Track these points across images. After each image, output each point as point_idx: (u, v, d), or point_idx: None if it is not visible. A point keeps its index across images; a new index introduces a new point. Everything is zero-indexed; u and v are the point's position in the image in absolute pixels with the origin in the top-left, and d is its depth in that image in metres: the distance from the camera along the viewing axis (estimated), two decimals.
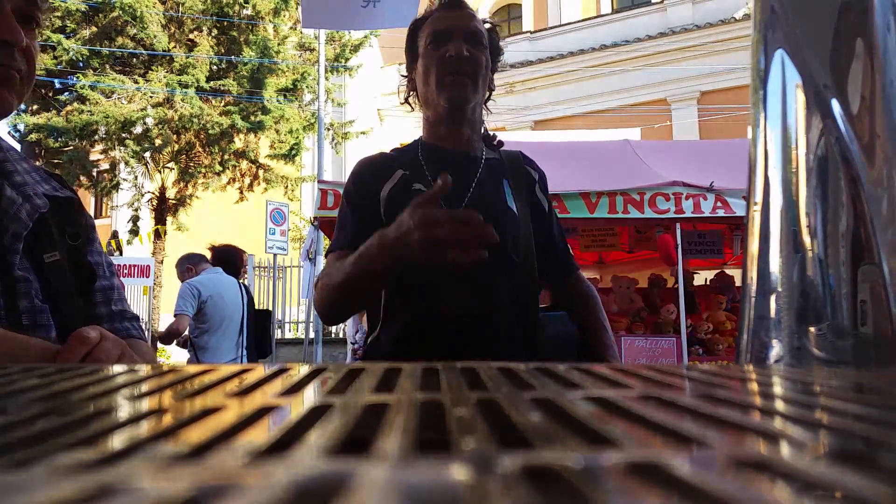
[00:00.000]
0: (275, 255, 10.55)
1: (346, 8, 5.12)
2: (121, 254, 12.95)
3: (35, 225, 0.87)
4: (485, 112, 1.42)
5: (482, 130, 1.42)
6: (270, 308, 10.81)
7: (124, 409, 0.29)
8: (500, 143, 1.48)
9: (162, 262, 12.47)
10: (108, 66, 11.81)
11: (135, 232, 12.52)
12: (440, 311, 1.20)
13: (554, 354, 1.29)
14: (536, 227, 1.35)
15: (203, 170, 12.12)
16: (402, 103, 1.44)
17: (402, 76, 1.46)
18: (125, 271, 10.55)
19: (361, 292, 1.15)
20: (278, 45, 12.35)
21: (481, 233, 0.91)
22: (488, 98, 1.41)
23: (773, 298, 0.68)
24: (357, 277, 1.09)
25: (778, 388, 0.39)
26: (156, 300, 12.17)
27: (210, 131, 11.54)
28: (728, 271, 6.41)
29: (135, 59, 12.03)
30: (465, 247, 0.92)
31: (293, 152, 12.30)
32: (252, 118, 11.88)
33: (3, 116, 0.86)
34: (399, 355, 1.20)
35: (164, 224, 12.64)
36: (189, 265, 4.67)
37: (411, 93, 1.42)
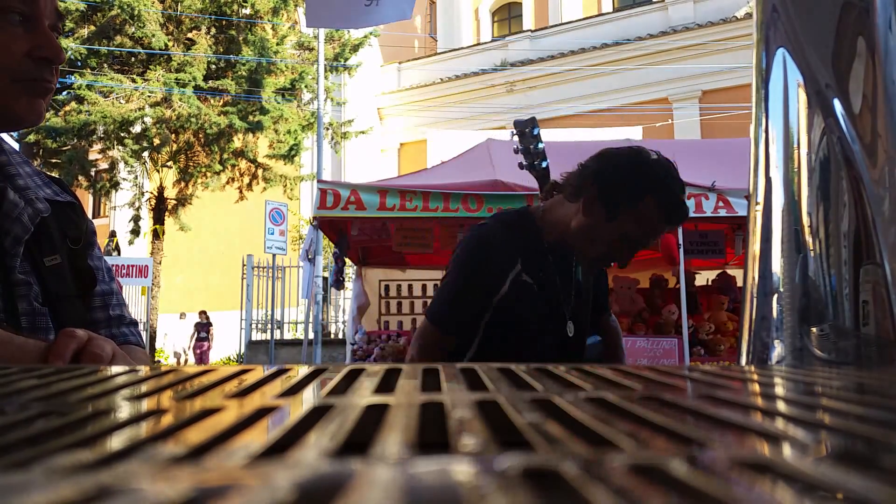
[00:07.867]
0: (274, 255, 10.53)
1: (349, 7, 5.13)
2: (119, 254, 12.96)
3: (36, 229, 0.87)
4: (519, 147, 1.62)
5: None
6: (269, 309, 10.80)
7: (123, 411, 0.29)
8: None
9: (160, 262, 12.46)
10: (105, 66, 11.82)
11: (136, 232, 12.52)
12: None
13: None
14: (595, 288, 1.53)
15: (202, 169, 12.12)
16: (564, 197, 1.41)
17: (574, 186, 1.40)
18: (123, 271, 10.54)
19: None
20: (277, 44, 12.34)
21: None
22: None
23: (774, 299, 0.68)
24: None
25: (780, 389, 0.38)
26: (154, 300, 12.16)
27: (208, 131, 11.54)
28: (730, 271, 6.40)
29: (133, 59, 12.03)
30: None
31: (292, 153, 12.28)
32: (251, 118, 11.87)
33: (37, 124, 0.91)
34: None
35: (163, 224, 12.63)
36: None
37: (578, 197, 1.36)
